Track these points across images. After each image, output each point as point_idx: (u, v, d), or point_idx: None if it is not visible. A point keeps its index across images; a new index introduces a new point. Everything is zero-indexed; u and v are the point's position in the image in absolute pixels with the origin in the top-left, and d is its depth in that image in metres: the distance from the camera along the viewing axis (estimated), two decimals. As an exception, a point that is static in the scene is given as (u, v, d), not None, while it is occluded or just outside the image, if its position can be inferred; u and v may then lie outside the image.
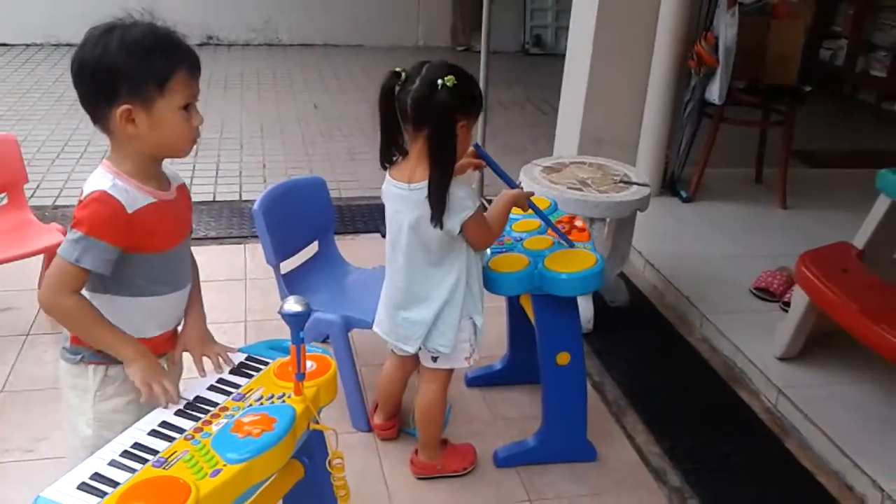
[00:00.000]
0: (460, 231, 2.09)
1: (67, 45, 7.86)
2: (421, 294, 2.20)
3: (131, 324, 1.71)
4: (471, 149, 2.24)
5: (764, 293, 3.50)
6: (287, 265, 2.78)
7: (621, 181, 3.24)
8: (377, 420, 2.60)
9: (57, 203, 4.37)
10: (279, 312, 1.60)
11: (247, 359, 1.83)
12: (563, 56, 4.62)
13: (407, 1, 8.77)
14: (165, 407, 1.64)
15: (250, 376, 1.76)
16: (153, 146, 1.65)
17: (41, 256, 3.12)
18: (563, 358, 2.39)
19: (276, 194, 2.68)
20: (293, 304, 1.60)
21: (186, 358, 1.85)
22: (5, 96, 6.36)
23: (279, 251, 2.65)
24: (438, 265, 2.17)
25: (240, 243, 3.91)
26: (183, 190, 1.83)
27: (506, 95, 7.15)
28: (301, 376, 1.64)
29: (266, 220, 2.58)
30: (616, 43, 4.20)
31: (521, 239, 2.49)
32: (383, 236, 2.32)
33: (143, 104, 1.57)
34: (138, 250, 1.64)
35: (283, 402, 1.65)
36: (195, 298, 1.87)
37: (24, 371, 2.89)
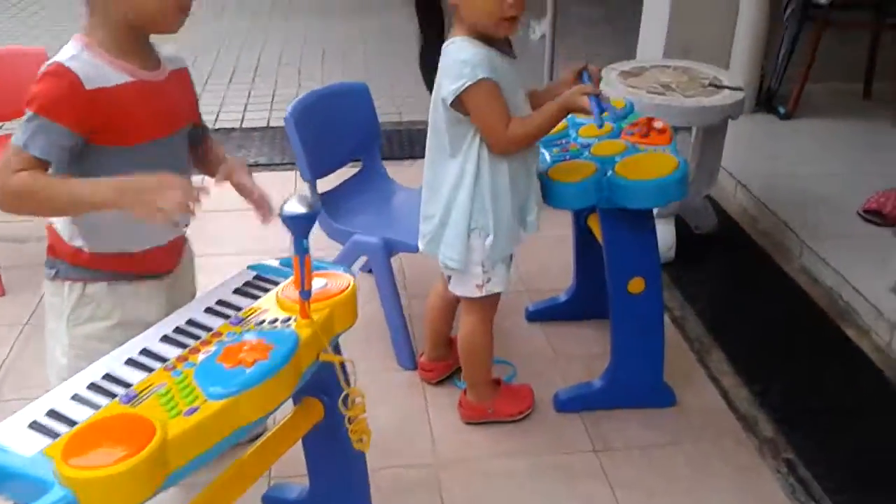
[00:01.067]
0: (462, 111, 1.75)
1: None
2: (434, 184, 1.90)
3: (110, 235, 1.45)
4: (575, 68, 1.86)
5: (875, 216, 3.03)
6: (327, 183, 2.50)
7: (710, 85, 2.81)
8: (423, 359, 2.31)
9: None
10: (279, 214, 1.31)
11: (255, 277, 1.55)
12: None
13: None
14: (191, 213, 1.31)
15: (255, 297, 1.48)
16: (130, 13, 1.37)
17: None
18: (637, 285, 2.04)
19: (311, 101, 2.39)
20: (295, 205, 1.30)
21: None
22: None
23: (316, 166, 2.36)
24: (452, 155, 1.84)
25: (291, 170, 3.66)
26: (181, 74, 1.55)
27: (582, 9, 6.63)
28: (306, 294, 1.35)
29: (299, 129, 2.29)
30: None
31: (589, 145, 2.12)
32: None
33: None
34: (108, 141, 1.37)
35: (288, 327, 1.36)
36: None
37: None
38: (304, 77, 5.09)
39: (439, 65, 1.78)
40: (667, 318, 2.53)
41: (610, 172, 1.95)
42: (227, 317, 1.41)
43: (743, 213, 3.30)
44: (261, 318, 1.40)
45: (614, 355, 2.15)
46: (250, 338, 1.31)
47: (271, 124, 4.31)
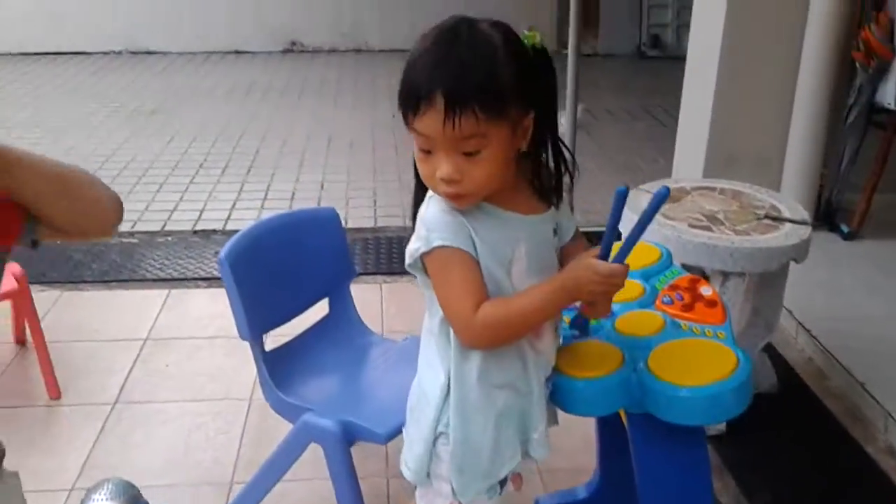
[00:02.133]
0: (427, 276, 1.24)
1: (147, 52, 7.46)
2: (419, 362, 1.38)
3: None
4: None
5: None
6: (281, 334, 1.98)
7: (766, 216, 2.26)
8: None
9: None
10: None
11: None
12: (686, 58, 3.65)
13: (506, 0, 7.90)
14: None
15: None
16: None
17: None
18: (679, 517, 1.46)
19: (259, 233, 1.87)
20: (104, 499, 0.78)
21: None
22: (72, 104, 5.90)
23: (259, 319, 1.83)
24: (430, 317, 1.32)
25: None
26: None
27: (616, 103, 6.19)
28: None
29: (238, 274, 1.77)
30: (753, 33, 3.21)
31: (614, 315, 1.57)
32: None
33: None
34: None
35: None
36: None
37: None
38: (304, 169, 4.64)
39: None
40: (716, 523, 1.94)
41: (641, 366, 1.39)
42: None
43: (807, 364, 2.69)
44: None
45: None
46: None
47: None
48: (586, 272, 1.20)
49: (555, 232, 1.32)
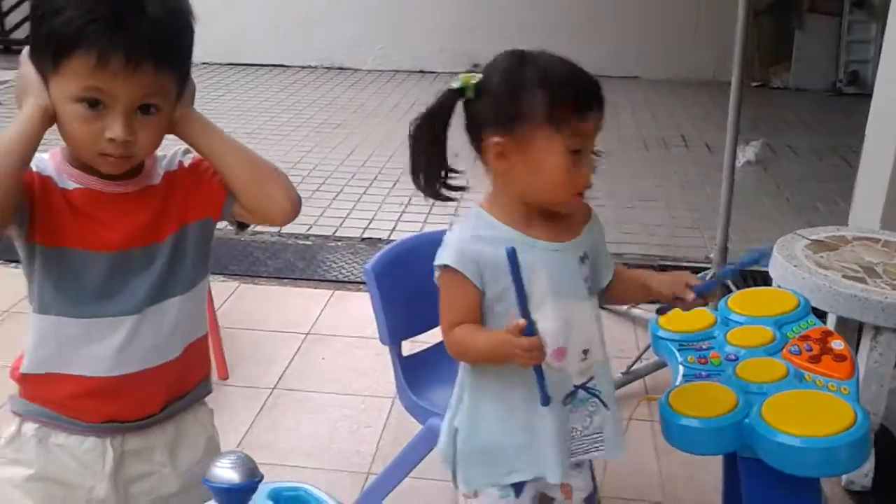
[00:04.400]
0: None
1: (339, 67, 7.96)
2: None
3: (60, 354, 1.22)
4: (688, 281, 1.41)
5: None
6: (422, 341, 2.12)
7: (932, 274, 2.14)
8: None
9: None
10: (203, 480, 0.93)
11: None
12: (880, 97, 3.46)
13: (694, 27, 7.74)
14: None
15: None
16: None
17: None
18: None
19: (402, 250, 2.02)
20: (226, 470, 0.92)
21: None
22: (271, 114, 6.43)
23: (399, 326, 1.98)
24: None
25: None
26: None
27: (803, 140, 5.90)
28: None
29: (381, 284, 1.93)
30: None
31: (737, 359, 1.57)
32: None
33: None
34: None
35: None
36: None
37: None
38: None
39: None
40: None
41: (754, 411, 1.39)
42: None
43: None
44: None
45: None
46: None
47: (338, 234, 4.04)
48: (508, 344, 1.25)
49: (583, 259, 1.38)
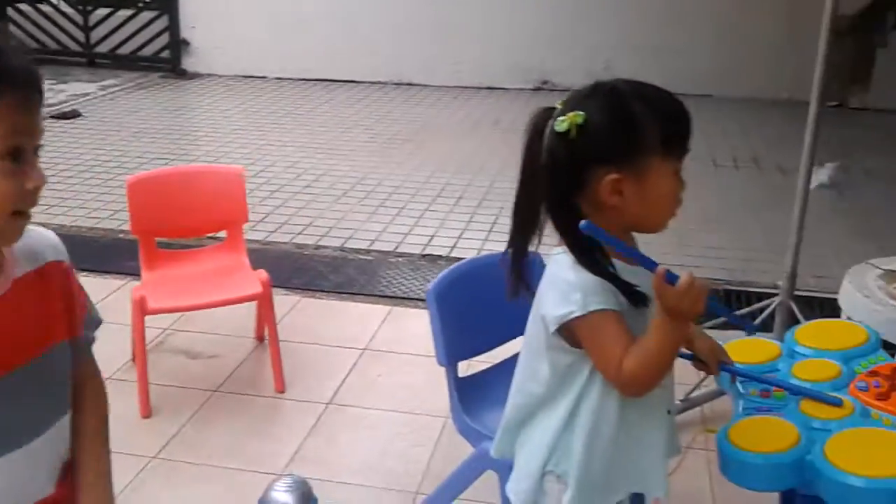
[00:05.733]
0: (567, 340, 1.34)
1: (409, 83, 8.04)
2: (517, 402, 1.49)
3: None
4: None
5: None
6: (479, 361, 2.11)
7: None
8: None
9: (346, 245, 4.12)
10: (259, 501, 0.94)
11: None
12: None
13: (770, 46, 7.56)
14: None
15: None
16: None
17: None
18: None
19: (462, 273, 2.02)
20: (282, 493, 0.93)
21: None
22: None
23: (456, 348, 1.98)
24: (546, 383, 1.40)
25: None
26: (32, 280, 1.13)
27: (878, 162, 5.70)
28: None
29: (441, 305, 1.93)
30: None
31: (801, 393, 1.52)
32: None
33: None
34: None
35: None
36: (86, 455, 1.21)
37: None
38: (483, 205, 4.73)
39: (546, 272, 1.39)
40: None
41: (817, 448, 1.34)
42: None
43: None
44: None
45: None
46: None
47: (426, 251, 4.05)
48: (672, 310, 1.23)
49: None
